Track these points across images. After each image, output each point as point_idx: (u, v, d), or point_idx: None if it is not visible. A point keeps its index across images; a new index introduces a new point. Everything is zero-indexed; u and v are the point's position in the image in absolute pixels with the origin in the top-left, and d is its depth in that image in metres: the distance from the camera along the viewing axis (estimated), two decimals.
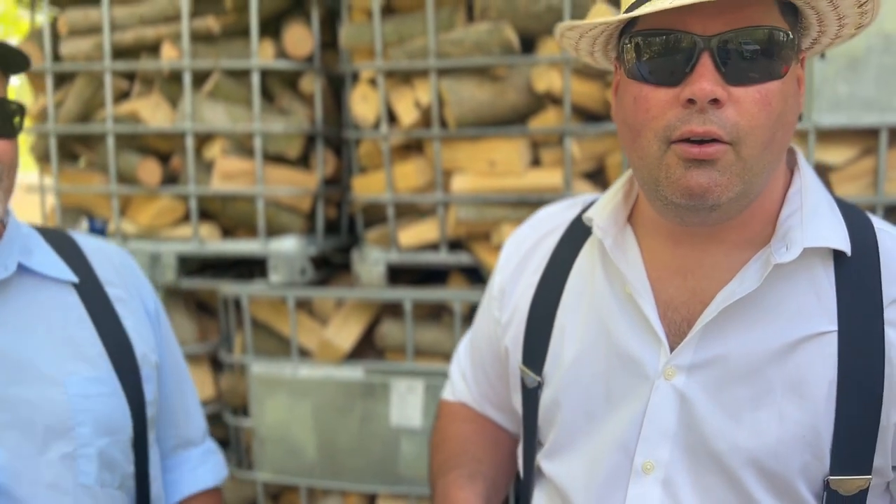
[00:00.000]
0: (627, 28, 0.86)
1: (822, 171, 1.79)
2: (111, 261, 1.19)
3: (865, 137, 1.76)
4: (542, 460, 1.02)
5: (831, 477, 0.83)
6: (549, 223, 1.09)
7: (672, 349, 0.89)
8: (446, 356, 2.07)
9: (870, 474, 0.83)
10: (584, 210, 1.03)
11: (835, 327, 0.84)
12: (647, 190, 0.88)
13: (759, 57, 0.78)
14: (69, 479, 1.02)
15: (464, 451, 1.12)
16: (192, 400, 1.30)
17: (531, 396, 1.02)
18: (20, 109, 1.02)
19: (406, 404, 2.07)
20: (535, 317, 1.02)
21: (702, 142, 0.79)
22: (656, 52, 0.80)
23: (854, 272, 0.85)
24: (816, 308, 0.85)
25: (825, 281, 0.86)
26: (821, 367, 0.84)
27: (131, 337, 1.13)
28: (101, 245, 1.21)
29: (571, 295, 0.99)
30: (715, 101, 0.78)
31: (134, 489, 1.14)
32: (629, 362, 0.91)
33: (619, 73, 0.90)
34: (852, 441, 0.82)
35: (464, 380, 1.21)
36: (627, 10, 0.84)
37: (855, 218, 0.90)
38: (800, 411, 0.84)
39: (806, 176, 0.92)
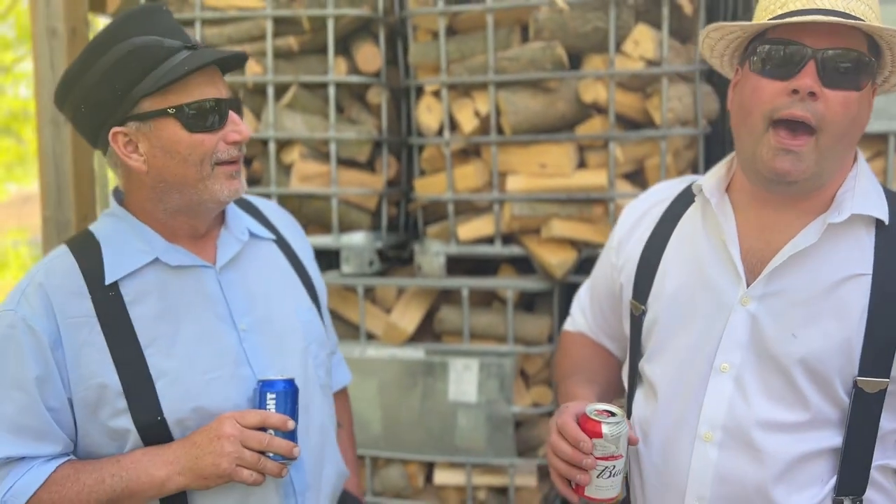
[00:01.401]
0: (759, 37, 1.15)
1: None
2: (280, 216, 1.50)
3: (875, 142, 2.01)
4: (644, 364, 1.31)
5: (859, 378, 1.11)
6: (658, 196, 1.40)
7: (748, 284, 1.19)
8: (499, 338, 2.31)
9: (888, 377, 1.11)
10: (689, 185, 1.33)
11: (870, 271, 1.13)
12: (745, 162, 1.19)
13: (848, 71, 1.09)
14: (315, 382, 1.35)
15: (581, 366, 1.44)
16: (328, 318, 1.58)
17: (637, 322, 1.33)
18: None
19: (462, 381, 2.31)
20: (645, 261, 1.32)
21: (793, 132, 1.08)
22: (778, 55, 1.11)
23: (889, 235, 1.15)
24: (858, 258, 1.14)
25: (867, 240, 1.15)
26: (857, 299, 1.13)
27: (311, 275, 1.45)
28: (268, 203, 1.51)
29: (674, 246, 1.30)
30: (811, 94, 1.07)
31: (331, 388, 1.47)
32: (716, 292, 1.21)
33: (739, 74, 1.20)
34: (876, 351, 1.11)
35: (583, 314, 1.53)
36: (773, 19, 1.13)
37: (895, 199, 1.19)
38: (839, 329, 1.13)
39: (861, 167, 1.21)
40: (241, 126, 1.24)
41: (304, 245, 1.51)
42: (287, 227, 1.49)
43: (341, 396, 1.62)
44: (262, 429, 1.19)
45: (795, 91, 1.08)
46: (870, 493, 1.13)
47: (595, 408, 1.17)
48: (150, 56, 1.16)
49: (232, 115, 1.23)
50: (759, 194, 1.20)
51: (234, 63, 1.28)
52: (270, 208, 1.50)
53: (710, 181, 1.26)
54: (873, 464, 1.13)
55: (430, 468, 2.41)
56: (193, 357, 1.23)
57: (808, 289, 1.14)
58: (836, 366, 1.12)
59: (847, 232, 1.15)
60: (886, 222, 1.14)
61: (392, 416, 2.35)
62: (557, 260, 2.17)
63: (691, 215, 1.30)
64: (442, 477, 2.36)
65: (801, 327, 1.14)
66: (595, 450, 1.13)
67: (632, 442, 1.19)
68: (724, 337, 1.18)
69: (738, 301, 1.18)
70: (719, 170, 1.28)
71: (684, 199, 1.32)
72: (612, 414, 1.16)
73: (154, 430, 1.20)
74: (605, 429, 1.12)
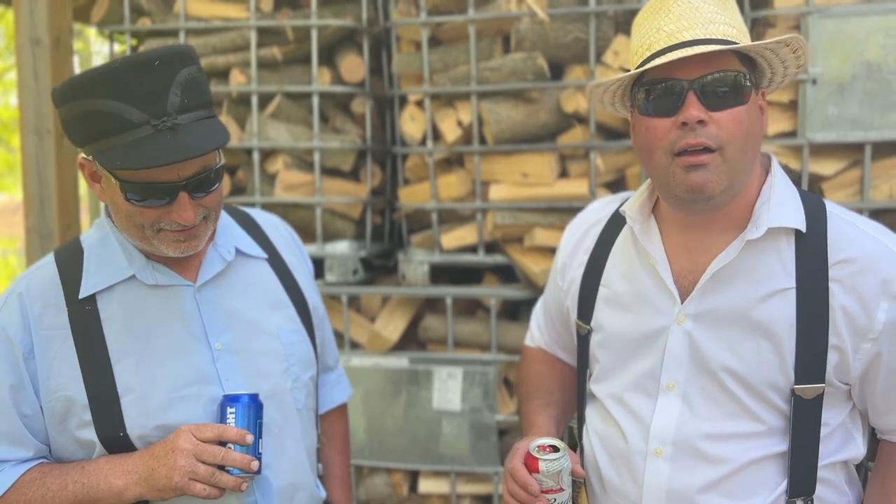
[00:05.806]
0: (637, 81, 1.20)
1: (815, 181, 2.06)
2: (281, 232, 1.47)
3: (852, 151, 2.03)
4: (592, 385, 1.34)
5: (796, 386, 1.15)
6: (596, 215, 1.42)
7: (682, 304, 1.21)
8: (482, 347, 2.32)
9: (823, 382, 1.15)
10: (622, 204, 1.35)
11: (793, 284, 1.16)
12: (661, 191, 1.21)
13: (728, 91, 1.12)
14: (292, 406, 1.33)
15: (541, 385, 1.46)
16: (330, 334, 1.57)
17: (584, 341, 1.35)
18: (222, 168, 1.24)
19: (447, 389, 2.32)
20: (586, 284, 1.35)
21: (695, 153, 1.12)
22: (658, 95, 1.15)
23: (808, 244, 1.17)
24: (780, 271, 1.17)
25: (787, 251, 1.17)
26: (785, 314, 1.15)
27: (305, 295, 1.42)
28: (270, 219, 1.49)
29: (611, 267, 1.32)
30: (700, 122, 1.11)
31: (315, 410, 1.44)
32: (653, 313, 1.24)
33: (633, 115, 1.23)
34: (809, 360, 1.15)
35: (539, 330, 1.55)
36: (637, 68, 1.18)
37: (813, 205, 1.21)
38: (770, 344, 1.16)
39: (776, 175, 1.22)
40: (186, 213, 1.17)
41: (302, 263, 1.48)
42: (286, 244, 1.46)
43: (338, 412, 1.60)
44: (222, 443, 1.18)
45: (685, 123, 1.11)
46: (819, 491, 1.16)
47: (538, 444, 1.22)
48: (105, 123, 1.11)
49: (181, 197, 1.16)
50: (680, 219, 1.23)
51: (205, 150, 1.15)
52: (271, 224, 1.47)
53: (633, 207, 1.28)
54: (820, 463, 1.16)
55: (414, 477, 2.41)
56: (161, 375, 1.23)
57: (738, 305, 1.17)
58: (771, 378, 1.15)
59: (768, 245, 1.17)
60: (804, 231, 1.16)
61: (376, 425, 2.36)
62: (540, 268, 2.18)
63: (625, 236, 1.32)
64: (426, 485, 2.36)
65: (734, 343, 1.17)
66: (540, 485, 1.18)
67: (577, 475, 1.22)
68: (665, 356, 1.21)
69: (675, 320, 1.21)
70: (642, 193, 1.30)
71: (618, 219, 1.34)
72: (556, 449, 1.20)
73: (117, 444, 1.21)
74: (541, 465, 1.18)
